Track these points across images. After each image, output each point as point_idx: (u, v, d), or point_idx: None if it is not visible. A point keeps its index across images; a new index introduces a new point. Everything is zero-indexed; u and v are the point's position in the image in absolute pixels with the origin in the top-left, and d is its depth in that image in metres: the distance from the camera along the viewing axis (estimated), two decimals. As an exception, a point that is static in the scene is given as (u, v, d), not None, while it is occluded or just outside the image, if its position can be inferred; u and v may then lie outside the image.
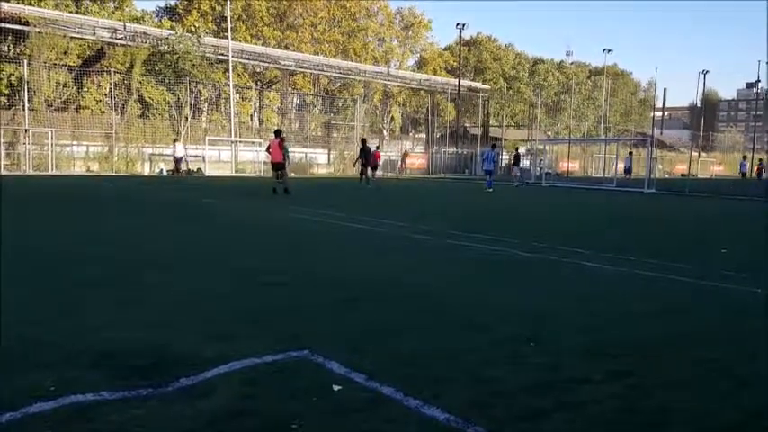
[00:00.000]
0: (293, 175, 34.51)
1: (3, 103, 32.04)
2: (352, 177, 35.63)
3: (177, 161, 32.07)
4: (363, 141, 24.85)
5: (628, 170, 36.97)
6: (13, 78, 32.32)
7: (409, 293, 5.55)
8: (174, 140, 32.98)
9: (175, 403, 2.95)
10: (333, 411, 2.94)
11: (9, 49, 33.44)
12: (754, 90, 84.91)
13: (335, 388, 3.19)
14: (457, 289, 5.86)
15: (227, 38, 37.97)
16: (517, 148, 36.34)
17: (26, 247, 7.61)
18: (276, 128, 24.04)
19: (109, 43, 34.80)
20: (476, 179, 35.60)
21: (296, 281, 5.93)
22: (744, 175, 39.91)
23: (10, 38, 32.44)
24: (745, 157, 43.34)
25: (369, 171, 24.09)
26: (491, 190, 22.57)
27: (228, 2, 39.92)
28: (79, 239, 8.39)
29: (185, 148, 33.02)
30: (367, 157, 23.67)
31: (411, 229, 10.19)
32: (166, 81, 35.28)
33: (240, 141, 37.77)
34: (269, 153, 18.64)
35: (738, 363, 3.89)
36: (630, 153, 38.82)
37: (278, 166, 18.33)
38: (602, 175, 44.28)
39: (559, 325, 4.59)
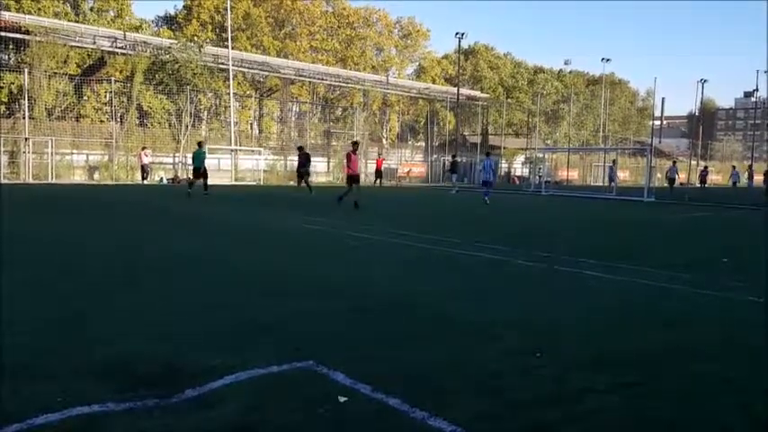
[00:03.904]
0: (291, 183, 34.60)
1: (3, 112, 32.07)
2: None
3: (144, 168, 31.38)
4: (300, 149, 23.33)
5: (612, 179, 36.38)
6: (13, 87, 32.40)
7: (413, 303, 5.55)
8: (143, 148, 32.09)
9: (181, 414, 2.95)
10: (339, 423, 2.94)
11: (9, 58, 33.54)
12: (752, 99, 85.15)
13: (341, 399, 3.19)
14: (461, 299, 5.85)
15: (227, 47, 38.11)
16: (454, 156, 36.97)
17: (30, 256, 7.60)
18: (354, 140, 22.87)
19: (109, 52, 34.89)
20: (474, 188, 35.56)
21: (300, 291, 5.93)
22: (735, 184, 40.32)
23: (11, 47, 32.53)
24: (734, 167, 43.89)
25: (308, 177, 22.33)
26: (488, 202, 21.19)
27: (229, 12, 40.08)
28: (92, 246, 8.39)
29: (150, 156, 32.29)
30: (304, 164, 21.97)
31: (412, 238, 10.19)
32: (167, 90, 35.37)
33: (240, 150, 37.82)
34: (348, 166, 17.51)
35: (741, 373, 3.89)
36: (614, 161, 38.48)
37: (355, 179, 17.19)
38: (601, 184, 44.35)
39: (564, 335, 4.59)
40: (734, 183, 40.22)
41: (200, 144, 22.07)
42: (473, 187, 34.86)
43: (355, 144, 18.30)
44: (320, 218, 13.48)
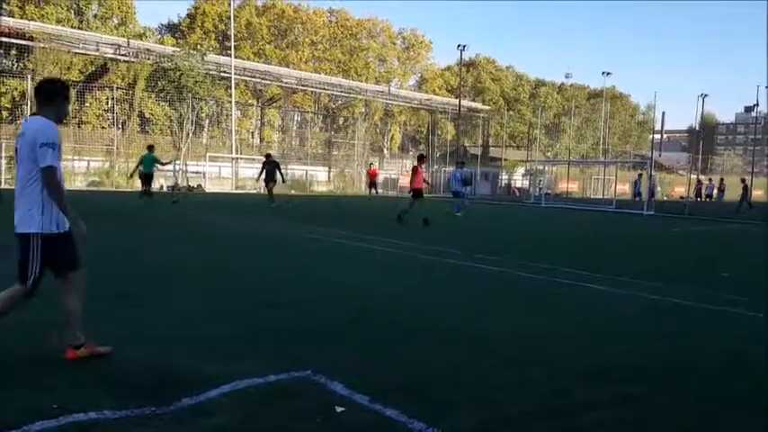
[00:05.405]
0: (292, 192, 34.62)
1: (5, 117, 32.17)
2: (354, 195, 35.71)
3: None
4: (267, 156, 21.35)
5: (638, 194, 35.87)
6: (16, 93, 32.52)
7: (412, 313, 5.54)
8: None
9: (178, 423, 2.93)
10: (337, 433, 2.92)
11: (13, 64, 33.69)
12: (753, 114, 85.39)
13: (339, 410, 3.17)
14: (459, 310, 5.84)
15: (229, 55, 38.30)
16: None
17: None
18: (420, 153, 21.15)
19: (112, 59, 35.07)
20: (473, 198, 35.60)
21: (297, 300, 5.92)
22: (709, 197, 41.15)
23: (14, 52, 32.68)
24: (711, 180, 44.80)
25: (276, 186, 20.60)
26: (459, 214, 19.54)
27: (232, 21, 40.32)
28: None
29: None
30: (270, 173, 20.11)
31: (416, 250, 10.18)
32: (168, 97, 35.49)
33: (241, 158, 37.89)
34: (413, 180, 15.99)
35: (741, 389, 3.87)
36: (640, 175, 37.86)
37: (419, 194, 15.81)
38: (600, 197, 44.37)
39: (563, 348, 4.58)
40: (708, 195, 40.90)
41: (149, 148, 19.76)
42: (472, 199, 34.83)
43: (422, 157, 16.88)
44: (317, 227, 13.49)
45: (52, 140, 3.58)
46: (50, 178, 3.56)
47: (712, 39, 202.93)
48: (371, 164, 35.46)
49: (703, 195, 40.99)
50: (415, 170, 16.01)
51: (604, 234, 16.49)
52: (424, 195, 16.11)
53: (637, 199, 33.46)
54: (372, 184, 31.05)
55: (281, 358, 3.96)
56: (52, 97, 3.76)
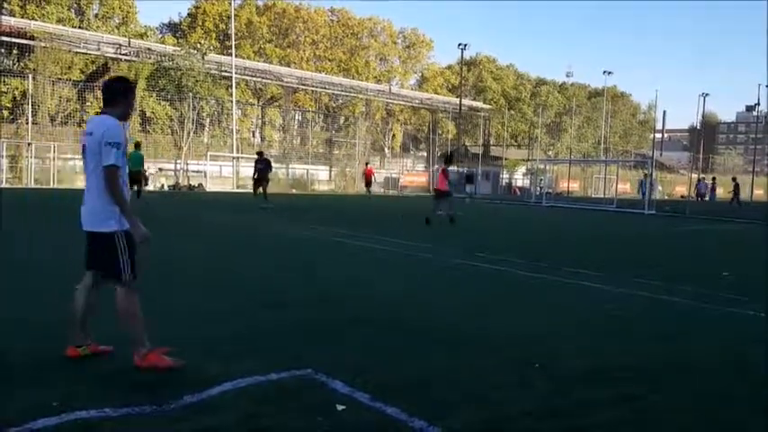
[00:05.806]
0: (294, 191, 34.64)
1: (6, 117, 32.17)
2: (356, 194, 35.69)
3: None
4: (259, 154, 20.94)
5: (645, 193, 35.77)
6: (17, 92, 32.52)
7: (411, 314, 5.55)
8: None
9: (179, 421, 2.94)
10: (337, 431, 2.93)
11: (14, 64, 33.69)
12: (754, 113, 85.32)
13: (339, 408, 3.18)
14: (459, 310, 5.85)
15: (230, 55, 38.32)
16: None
17: (28, 261, 7.60)
18: (446, 153, 20.60)
19: (113, 58, 35.08)
20: (476, 198, 35.58)
21: (297, 300, 5.93)
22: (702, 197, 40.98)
23: (15, 52, 32.68)
24: (704, 179, 44.73)
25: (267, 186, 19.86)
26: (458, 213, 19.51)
27: (232, 20, 40.32)
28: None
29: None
30: (262, 171, 19.48)
31: (416, 248, 10.19)
32: (169, 96, 35.51)
33: (242, 157, 37.91)
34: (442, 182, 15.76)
35: (741, 389, 3.88)
36: (645, 175, 37.83)
37: (445, 194, 15.68)
38: (602, 196, 44.33)
39: (563, 348, 4.58)
40: (702, 195, 40.93)
41: (136, 145, 18.87)
42: (471, 198, 34.82)
43: (449, 157, 16.91)
44: (318, 226, 13.49)
45: (116, 140, 3.62)
46: (111, 177, 3.59)
47: (712, 38, 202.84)
48: (367, 162, 35.18)
49: (696, 194, 40.81)
50: (444, 172, 15.88)
51: (605, 233, 16.47)
52: (444, 197, 15.81)
53: (643, 197, 33.32)
54: (368, 183, 30.80)
55: (281, 357, 3.97)
56: (118, 96, 3.84)
